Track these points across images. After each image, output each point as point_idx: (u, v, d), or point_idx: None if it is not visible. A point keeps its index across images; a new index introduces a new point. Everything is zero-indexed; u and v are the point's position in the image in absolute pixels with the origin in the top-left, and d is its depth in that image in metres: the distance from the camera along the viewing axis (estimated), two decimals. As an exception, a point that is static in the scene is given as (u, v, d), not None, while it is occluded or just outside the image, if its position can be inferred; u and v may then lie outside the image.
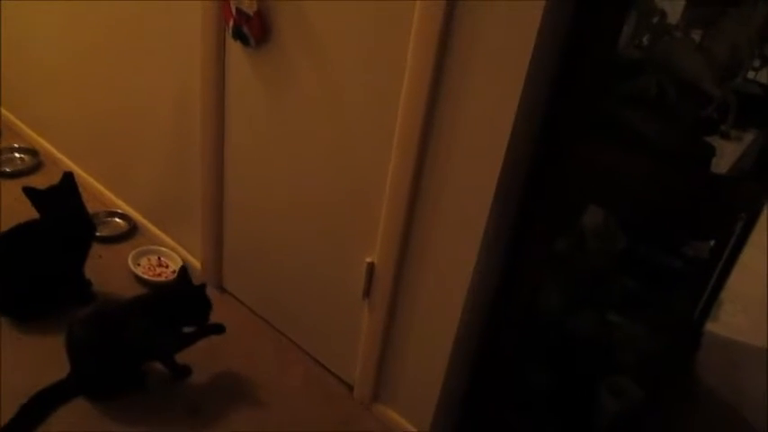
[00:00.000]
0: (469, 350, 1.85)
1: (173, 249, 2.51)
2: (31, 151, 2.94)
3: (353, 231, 1.88)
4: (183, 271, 1.95)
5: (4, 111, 3.11)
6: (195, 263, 2.43)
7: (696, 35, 1.75)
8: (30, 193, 1.99)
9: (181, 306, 1.92)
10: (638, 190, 1.56)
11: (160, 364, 1.99)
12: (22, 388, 1.83)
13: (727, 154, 1.65)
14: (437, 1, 1.42)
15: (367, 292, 1.89)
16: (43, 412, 1.82)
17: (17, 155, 2.92)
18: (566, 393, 1.98)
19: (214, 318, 1.97)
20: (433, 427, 1.91)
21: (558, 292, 1.97)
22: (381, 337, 1.91)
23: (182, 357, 2.00)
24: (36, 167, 2.88)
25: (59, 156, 2.90)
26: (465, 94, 1.49)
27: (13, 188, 2.42)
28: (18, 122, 3.08)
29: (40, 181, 2.45)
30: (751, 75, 1.87)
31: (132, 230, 2.62)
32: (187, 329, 1.95)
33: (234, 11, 1.83)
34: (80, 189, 2.11)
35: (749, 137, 1.77)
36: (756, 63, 1.80)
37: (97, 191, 2.76)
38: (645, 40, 1.83)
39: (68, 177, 2.06)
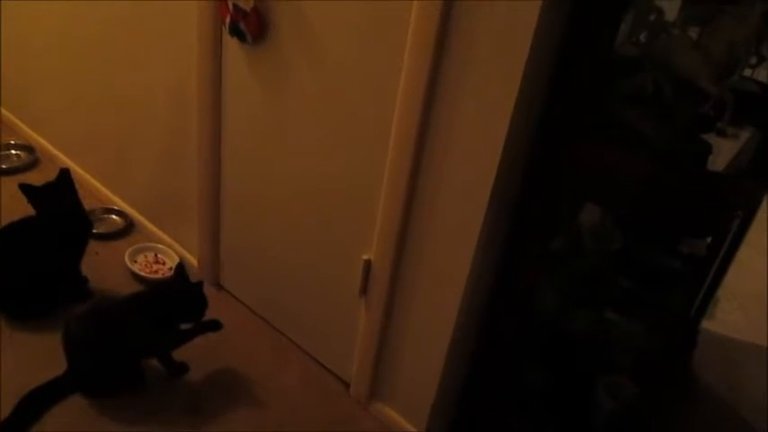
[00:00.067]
0: (466, 348, 1.85)
1: (170, 246, 2.50)
2: (28, 148, 2.93)
3: (350, 229, 1.88)
4: (180, 268, 1.95)
5: (0, 108, 3.10)
6: (192, 260, 2.43)
7: (693, 33, 1.75)
8: (26, 189, 1.99)
9: (178, 303, 1.91)
10: (635, 188, 1.56)
11: (157, 361, 1.99)
12: (18, 385, 1.82)
13: (723, 152, 1.66)
14: (434, 0, 1.42)
15: (364, 290, 1.89)
16: (39, 410, 1.81)
17: (13, 152, 2.91)
18: (563, 391, 1.98)
19: (211, 315, 1.97)
20: (429, 424, 1.91)
21: (554, 291, 1.97)
22: (378, 334, 1.91)
23: (179, 355, 2.00)
24: (32, 164, 2.88)
25: (56, 152, 2.90)
26: (462, 93, 1.48)
27: (10, 185, 2.42)
28: (14, 119, 3.07)
29: (37, 178, 2.44)
30: (748, 72, 1.86)
31: (129, 227, 2.62)
32: (184, 327, 1.95)
33: (231, 7, 1.82)
34: (76, 186, 2.10)
35: (746, 134, 1.77)
36: (753, 61, 1.80)
37: (94, 187, 2.75)
38: (642, 37, 1.82)
39: (65, 174, 2.06)
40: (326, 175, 1.88)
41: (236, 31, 1.86)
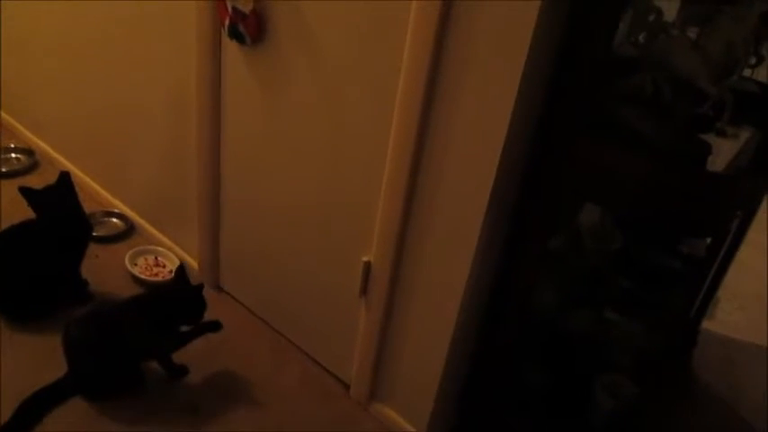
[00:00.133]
0: (466, 348, 1.85)
1: (170, 249, 2.51)
2: (28, 151, 2.94)
3: (350, 230, 1.88)
4: (181, 270, 1.95)
5: (0, 111, 3.11)
6: (192, 262, 2.43)
7: (692, 33, 1.75)
8: (26, 193, 1.99)
9: (178, 306, 1.92)
10: (635, 188, 1.56)
11: (157, 363, 1.99)
12: (19, 388, 1.83)
13: (723, 152, 1.66)
14: (433, 1, 1.42)
15: (364, 291, 1.89)
16: (40, 412, 1.81)
17: (13, 155, 2.92)
18: (562, 391, 1.98)
19: (211, 317, 1.97)
20: (429, 425, 1.91)
21: (554, 291, 1.97)
22: (378, 336, 1.91)
23: (179, 357, 2.00)
24: (32, 167, 2.88)
25: (56, 155, 2.90)
26: (461, 94, 1.49)
27: (10, 188, 2.42)
28: (14, 122, 3.07)
29: (37, 181, 2.45)
30: (747, 72, 1.87)
31: (129, 230, 2.62)
32: (184, 329, 1.95)
33: (230, 9, 1.83)
34: (76, 189, 2.10)
35: (745, 134, 1.77)
36: (752, 61, 1.80)
37: (94, 190, 2.75)
38: (641, 38, 1.83)
39: (65, 177, 2.06)
40: (326, 177, 1.88)
41: (235, 34, 1.86)
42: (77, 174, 2.75)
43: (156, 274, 2.40)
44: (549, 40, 1.42)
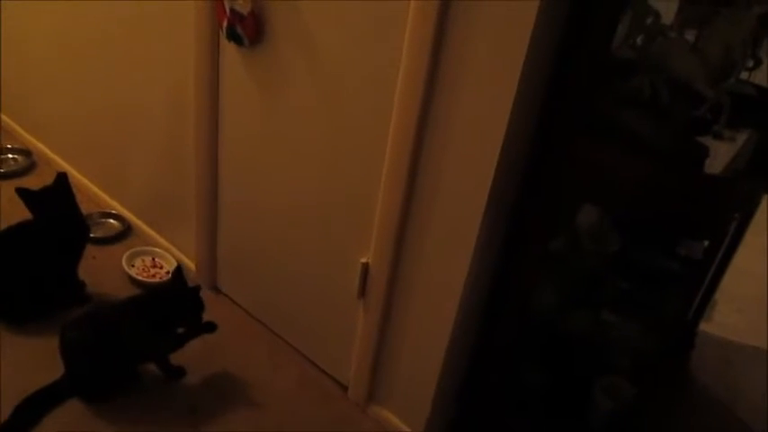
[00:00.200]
0: (464, 350, 1.85)
1: (167, 250, 2.50)
2: (25, 152, 2.93)
3: (348, 232, 1.87)
4: (178, 272, 1.95)
5: (-3, 112, 3.11)
6: (190, 264, 2.42)
7: (690, 36, 1.76)
8: (23, 193, 1.98)
9: (175, 307, 1.91)
10: (632, 190, 1.56)
11: (154, 365, 1.99)
12: (15, 389, 1.82)
13: (720, 154, 1.66)
14: (431, 1, 1.42)
15: (362, 293, 1.89)
16: (37, 414, 1.81)
17: (10, 155, 2.91)
18: (560, 393, 1.98)
19: (208, 319, 1.97)
20: (427, 427, 1.91)
21: (552, 292, 1.97)
22: (376, 337, 1.91)
23: (176, 358, 2.00)
24: (29, 168, 2.87)
25: (53, 156, 2.89)
26: (460, 95, 1.49)
27: (7, 189, 2.41)
28: (12, 123, 3.07)
29: (34, 182, 2.44)
30: (744, 75, 1.87)
31: (126, 231, 2.62)
32: (181, 330, 1.94)
33: (228, 11, 1.82)
34: (74, 190, 2.10)
35: (742, 137, 1.77)
36: (750, 63, 1.81)
37: (91, 192, 2.75)
38: (639, 40, 1.83)
39: (62, 178, 2.05)
40: (324, 178, 1.88)
41: (233, 36, 1.86)
42: (75, 175, 2.74)
43: (154, 276, 2.40)
44: (548, 41, 1.42)
